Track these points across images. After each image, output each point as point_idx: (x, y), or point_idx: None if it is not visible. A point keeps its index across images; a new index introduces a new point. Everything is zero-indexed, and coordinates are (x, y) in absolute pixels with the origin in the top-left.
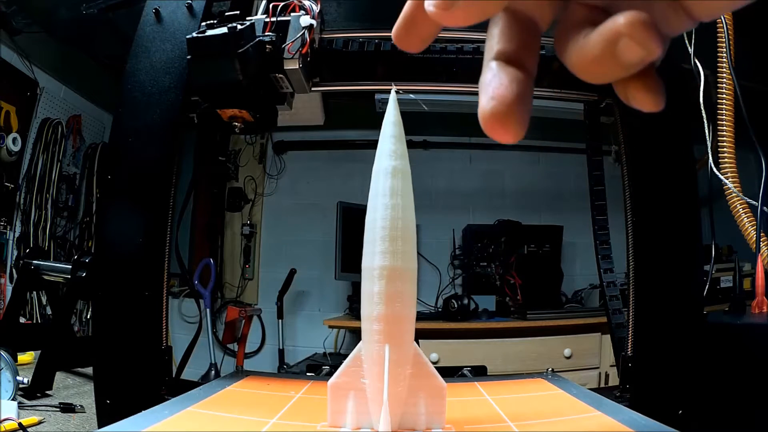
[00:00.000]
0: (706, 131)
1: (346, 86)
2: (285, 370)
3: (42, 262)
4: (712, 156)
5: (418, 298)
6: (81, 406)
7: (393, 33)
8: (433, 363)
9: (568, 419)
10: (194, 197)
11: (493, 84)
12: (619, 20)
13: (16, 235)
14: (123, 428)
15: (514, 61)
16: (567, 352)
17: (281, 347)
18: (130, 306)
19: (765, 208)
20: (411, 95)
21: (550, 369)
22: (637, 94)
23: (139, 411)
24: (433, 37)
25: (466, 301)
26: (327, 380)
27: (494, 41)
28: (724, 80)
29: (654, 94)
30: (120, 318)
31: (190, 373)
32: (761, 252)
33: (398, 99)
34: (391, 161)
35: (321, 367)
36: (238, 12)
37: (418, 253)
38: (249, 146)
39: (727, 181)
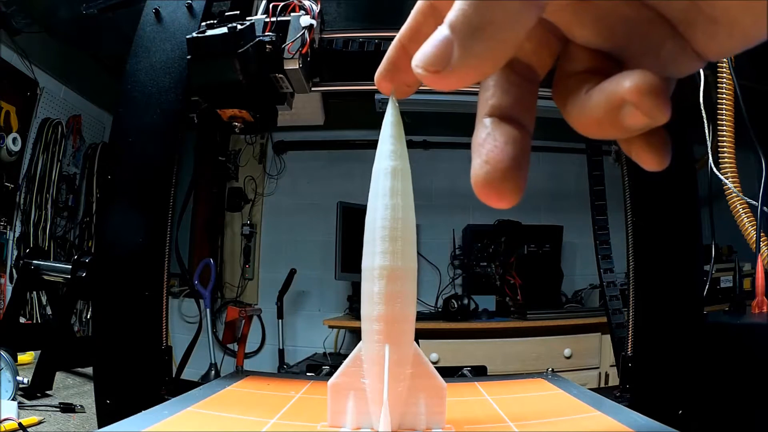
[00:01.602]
0: (706, 131)
1: (346, 86)
2: (285, 370)
3: (42, 262)
4: (712, 156)
5: (418, 298)
6: (81, 406)
7: (375, 77)
8: (433, 363)
9: (568, 419)
10: (194, 197)
11: (487, 145)
12: (624, 84)
13: (16, 235)
14: (123, 428)
15: (510, 117)
16: (567, 352)
17: (281, 347)
18: (130, 306)
19: (765, 208)
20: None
21: (550, 369)
22: (641, 154)
23: (139, 411)
24: (419, 84)
25: (466, 301)
26: (327, 380)
27: (488, 93)
28: (724, 80)
29: (658, 154)
30: (120, 318)
31: (190, 373)
32: (761, 252)
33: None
34: (391, 161)
35: (321, 367)
36: (238, 12)
37: (418, 253)
38: (249, 146)
39: (727, 181)
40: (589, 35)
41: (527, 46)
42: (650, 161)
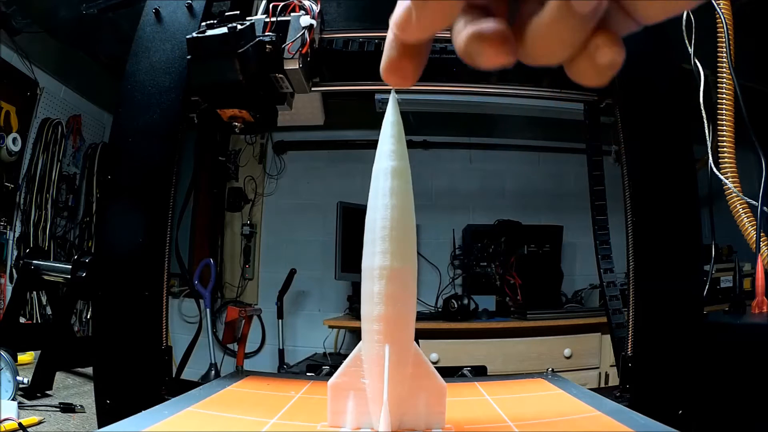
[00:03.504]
0: (706, 131)
1: (346, 86)
2: (285, 370)
3: (42, 262)
4: (712, 156)
5: (418, 298)
6: (81, 406)
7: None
8: (433, 363)
9: (568, 419)
10: (194, 197)
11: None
12: None
13: (16, 235)
14: (123, 428)
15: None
16: (567, 352)
17: (281, 347)
18: (130, 306)
19: (765, 208)
20: (397, 97)
21: (550, 369)
22: (587, 69)
23: (139, 411)
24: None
25: (466, 301)
26: (327, 380)
27: None
28: (724, 80)
29: (601, 72)
30: (120, 318)
31: (190, 373)
32: (761, 252)
33: (397, 99)
34: (391, 161)
35: (321, 367)
36: (238, 12)
37: (418, 253)
38: (249, 146)
39: (727, 181)
40: None
41: None
42: (593, 77)
